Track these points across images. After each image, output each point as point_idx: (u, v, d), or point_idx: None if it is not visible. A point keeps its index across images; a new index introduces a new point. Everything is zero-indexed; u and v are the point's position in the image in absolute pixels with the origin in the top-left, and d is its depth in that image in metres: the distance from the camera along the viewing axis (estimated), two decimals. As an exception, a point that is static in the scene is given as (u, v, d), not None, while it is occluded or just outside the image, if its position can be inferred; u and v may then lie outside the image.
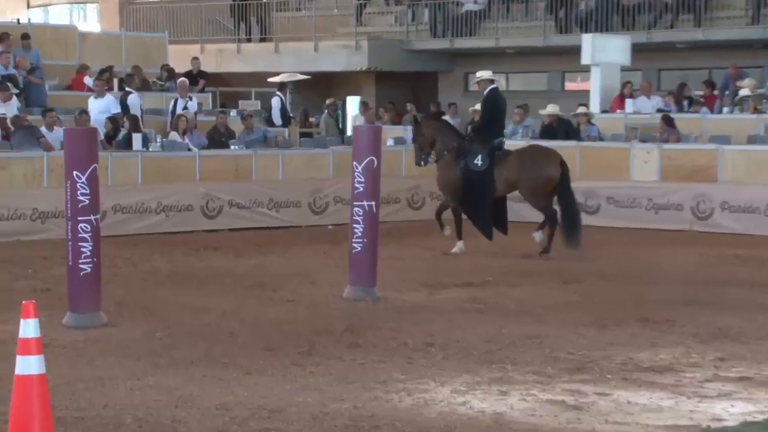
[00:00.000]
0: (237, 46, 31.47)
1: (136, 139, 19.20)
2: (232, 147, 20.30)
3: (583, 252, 15.97)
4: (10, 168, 17.60)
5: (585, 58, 23.78)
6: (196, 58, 25.41)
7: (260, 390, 8.49)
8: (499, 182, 16.29)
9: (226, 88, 29.91)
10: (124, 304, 12.11)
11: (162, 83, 23.82)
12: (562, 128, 21.67)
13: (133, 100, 20.69)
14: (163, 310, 11.87)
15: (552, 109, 21.84)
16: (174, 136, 20.28)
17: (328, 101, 26.96)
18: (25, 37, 22.46)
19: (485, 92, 16.55)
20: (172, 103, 21.79)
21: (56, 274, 13.23)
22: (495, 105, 16.48)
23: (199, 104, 22.47)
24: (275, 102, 23.27)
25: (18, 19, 25.12)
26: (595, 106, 23.44)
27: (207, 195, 18.99)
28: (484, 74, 16.81)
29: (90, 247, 10.84)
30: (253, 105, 25.09)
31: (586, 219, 17.24)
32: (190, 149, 19.70)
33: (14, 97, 19.73)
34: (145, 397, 8.28)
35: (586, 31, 25.90)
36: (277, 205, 19.70)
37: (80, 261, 10.83)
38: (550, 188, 16.25)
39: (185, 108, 21.34)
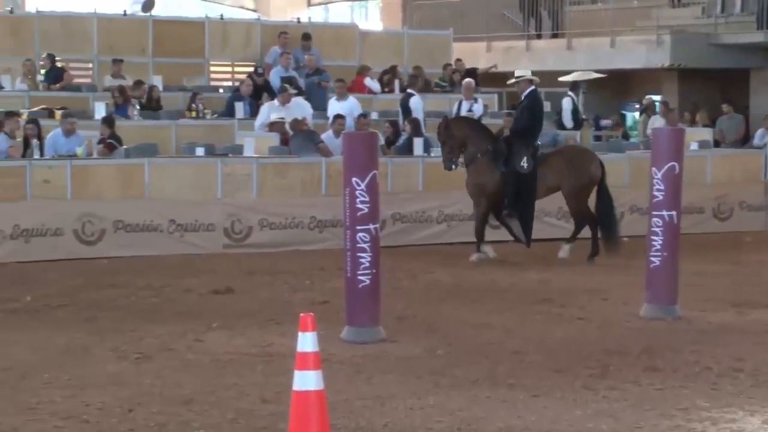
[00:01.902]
0: (526, 43, 31.48)
1: (417, 143, 19.51)
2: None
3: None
4: (288, 174, 18.25)
5: None
6: (459, 60, 25.59)
7: (549, 414, 8.49)
8: (541, 185, 16.61)
9: (514, 88, 29.96)
10: (403, 318, 12.35)
11: (444, 84, 24.14)
12: None
13: (415, 102, 21.03)
14: (444, 325, 12.04)
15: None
16: (457, 140, 20.50)
17: (644, 101, 26.62)
18: (306, 37, 23.25)
19: (525, 93, 16.85)
20: (456, 105, 22.04)
21: (334, 286, 13.63)
22: (537, 106, 16.95)
23: (485, 106, 22.61)
24: (566, 103, 23.17)
25: (298, 18, 26.01)
26: None
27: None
28: (523, 73, 17.07)
29: (369, 258, 11.10)
30: (542, 106, 25.03)
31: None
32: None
33: (300, 99, 20.43)
34: (426, 418, 8.42)
35: None
36: (566, 214, 19.58)
37: (359, 272, 11.10)
38: (592, 189, 16.76)
39: (470, 110, 21.51)
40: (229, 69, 24.09)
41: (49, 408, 8.69)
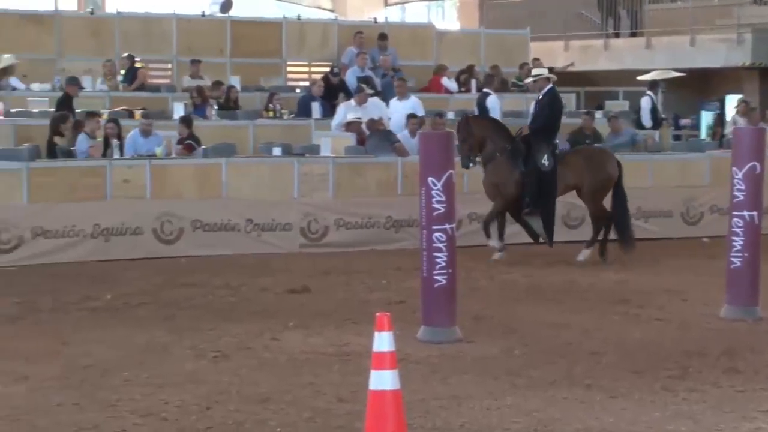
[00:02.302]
0: (604, 42, 31.28)
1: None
2: (597, 151, 20.20)
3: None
4: (365, 174, 18.29)
5: None
6: (537, 59, 25.46)
7: (627, 416, 8.44)
8: (560, 184, 16.61)
9: (592, 87, 29.81)
10: (480, 318, 12.34)
11: (521, 83, 24.06)
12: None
13: (492, 101, 20.98)
14: (521, 326, 12.01)
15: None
16: (534, 140, 20.44)
17: (738, 100, 26.36)
18: (382, 37, 23.30)
19: (543, 91, 16.89)
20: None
21: (410, 286, 13.65)
22: (556, 104, 16.98)
23: (562, 105, 22.49)
24: (645, 102, 22.99)
25: (375, 18, 26.05)
26: None
27: (568, 203, 19.01)
28: (541, 72, 17.12)
29: (445, 258, 11.11)
30: (620, 105, 24.87)
31: None
32: (551, 154, 19.81)
33: (377, 99, 20.46)
34: (503, 418, 8.41)
35: None
36: (645, 214, 19.46)
37: (435, 272, 11.11)
38: (610, 189, 16.81)
39: (546, 109, 21.41)
40: (306, 69, 24.18)
41: (129, 405, 8.79)
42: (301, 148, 18.64)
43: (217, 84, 21.10)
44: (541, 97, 17.08)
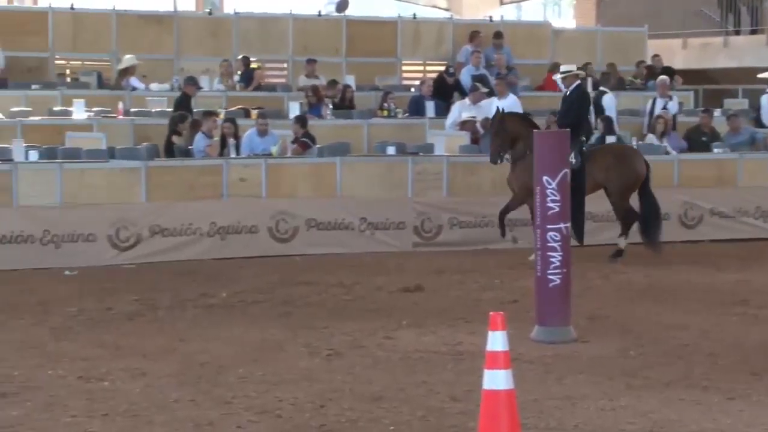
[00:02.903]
0: (723, 39, 30.80)
1: (610, 141, 19.29)
2: (715, 150, 19.91)
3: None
4: (479, 173, 18.23)
5: None
6: (656, 56, 25.14)
7: (745, 418, 8.31)
8: (588, 182, 16.50)
9: (710, 85, 29.36)
10: (595, 318, 12.23)
11: (638, 82, 23.79)
12: None
13: (608, 100, 20.79)
14: (637, 326, 11.87)
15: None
16: (651, 138, 20.21)
17: None
18: (498, 35, 23.22)
19: (571, 88, 16.81)
20: (650, 102, 21.70)
21: (524, 285, 13.59)
22: (584, 102, 16.99)
23: (680, 104, 22.21)
24: (765, 100, 22.57)
25: (491, 17, 25.98)
26: None
27: (686, 203, 18.77)
28: (570, 68, 16.94)
29: (559, 257, 11.04)
30: (739, 104, 24.46)
31: None
32: (667, 152, 19.56)
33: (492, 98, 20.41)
34: (618, 419, 8.33)
35: None
36: (765, 214, 19.11)
37: (549, 271, 11.05)
38: (637, 188, 16.71)
39: (664, 108, 21.18)
40: (421, 68, 24.19)
41: (244, 402, 8.87)
42: (415, 147, 18.65)
43: (332, 83, 21.21)
44: (568, 93, 16.95)
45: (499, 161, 16.63)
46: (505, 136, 16.53)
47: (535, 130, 13.56)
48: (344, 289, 14.29)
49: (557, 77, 17.71)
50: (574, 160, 16.45)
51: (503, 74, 21.88)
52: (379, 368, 10.04)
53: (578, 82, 17.02)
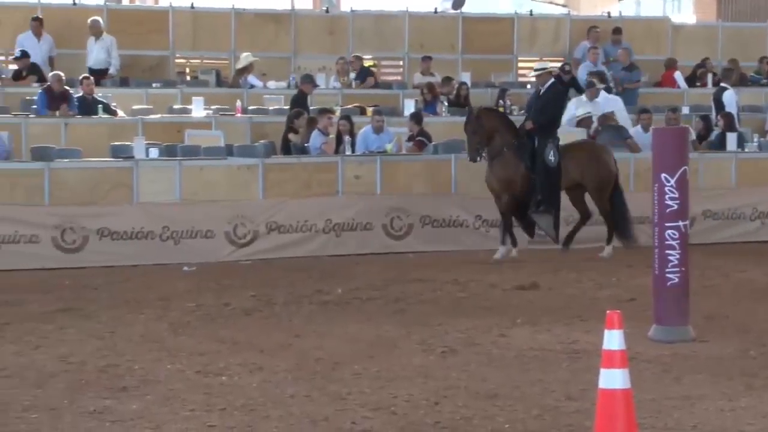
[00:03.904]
0: None
1: (731, 138, 19.00)
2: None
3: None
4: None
5: None
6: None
7: None
8: (564, 179, 16.33)
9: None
10: (714, 318, 12.05)
11: (760, 77, 23.37)
12: None
13: (729, 96, 20.48)
14: (757, 326, 11.67)
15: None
16: (773, 134, 19.89)
17: None
18: (616, 31, 23.03)
19: (546, 85, 16.56)
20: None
21: (641, 284, 13.44)
22: (560, 100, 16.94)
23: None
24: None
25: (609, 12, 25.74)
26: None
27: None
28: (543, 66, 16.64)
29: (677, 256, 10.90)
30: None
31: None
32: (790, 149, 19.22)
33: (609, 94, 20.22)
34: (737, 420, 8.19)
35: None
36: None
37: (667, 270, 10.91)
38: (612, 184, 16.60)
39: (788, 105, 20.81)
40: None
41: (359, 399, 8.90)
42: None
43: (447, 80, 21.19)
44: (543, 91, 16.66)
45: (478, 159, 16.38)
46: (483, 133, 16.30)
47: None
48: (459, 286, 14.27)
49: (531, 74, 17.45)
50: (552, 158, 16.26)
51: (631, 70, 21.71)
52: (494, 366, 10.01)
53: (552, 79, 16.83)
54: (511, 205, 16.48)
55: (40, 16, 20.71)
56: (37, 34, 20.55)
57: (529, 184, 16.34)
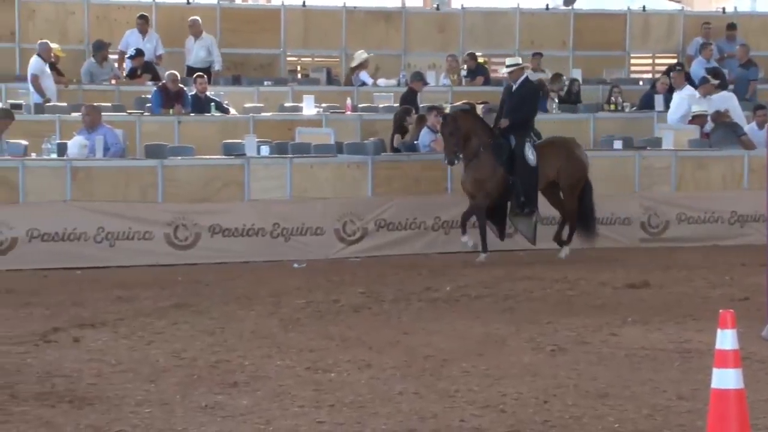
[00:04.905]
0: None
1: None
2: None
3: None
4: (709, 168, 17.84)
5: None
6: None
7: None
8: (541, 177, 15.96)
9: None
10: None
11: None
12: None
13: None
14: None
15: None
16: None
17: None
18: (731, 27, 22.75)
19: (519, 81, 16.13)
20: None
21: (755, 282, 13.20)
22: (536, 96, 16.66)
23: None
24: None
25: (723, 8, 25.36)
26: None
27: None
28: (516, 61, 16.24)
29: (794, 254, 10.72)
30: None
31: None
32: None
33: (724, 91, 19.92)
34: None
35: None
36: None
37: (783, 269, 10.73)
38: (584, 181, 16.22)
39: None
40: (650, 61, 23.80)
41: (467, 396, 8.89)
42: (643, 141, 18.36)
43: (557, 77, 21.05)
44: (515, 88, 16.16)
45: (456, 162, 15.91)
46: (460, 135, 15.81)
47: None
48: (568, 284, 14.17)
49: (504, 70, 17.04)
50: (531, 156, 15.86)
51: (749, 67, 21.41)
52: (604, 365, 9.92)
53: (525, 75, 16.40)
54: (485, 207, 16.02)
55: (146, 14, 21.00)
56: (143, 32, 20.89)
57: (505, 186, 15.94)
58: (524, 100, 16.19)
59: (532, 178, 15.97)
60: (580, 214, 16.31)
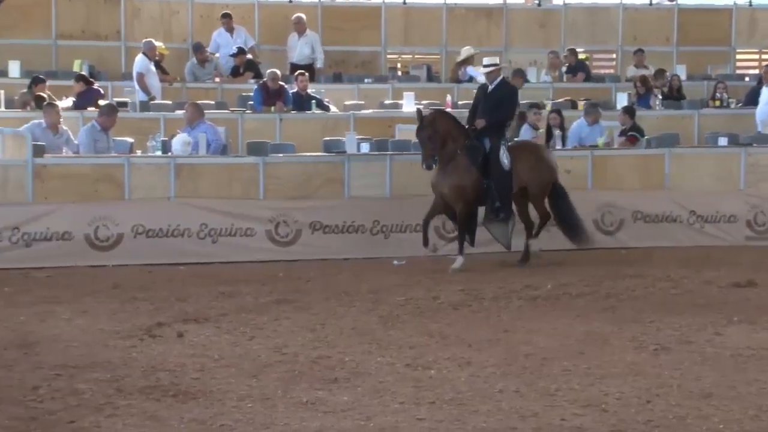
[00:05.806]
0: None
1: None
2: None
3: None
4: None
5: None
6: None
7: None
8: (514, 182, 15.43)
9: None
10: None
11: None
12: None
13: None
14: None
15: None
16: None
17: None
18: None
19: (496, 82, 15.56)
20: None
21: None
22: (514, 97, 15.94)
23: None
24: None
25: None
26: None
27: None
28: (493, 62, 15.62)
29: None
30: None
31: None
32: None
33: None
34: None
35: None
36: None
37: None
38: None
39: None
40: (756, 57, 23.46)
41: (568, 395, 8.84)
42: (749, 137, 18.10)
43: (660, 72, 20.85)
44: (491, 88, 15.57)
45: (434, 165, 15.26)
46: (438, 138, 15.21)
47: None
48: (672, 282, 14.02)
49: (481, 71, 16.59)
50: (506, 161, 15.36)
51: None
52: (708, 365, 9.80)
53: (502, 76, 15.88)
54: (468, 214, 15.53)
55: (228, 12, 21.19)
56: (229, 30, 21.13)
57: (480, 190, 15.40)
58: (501, 101, 15.62)
59: (506, 182, 15.45)
60: (561, 218, 15.96)
